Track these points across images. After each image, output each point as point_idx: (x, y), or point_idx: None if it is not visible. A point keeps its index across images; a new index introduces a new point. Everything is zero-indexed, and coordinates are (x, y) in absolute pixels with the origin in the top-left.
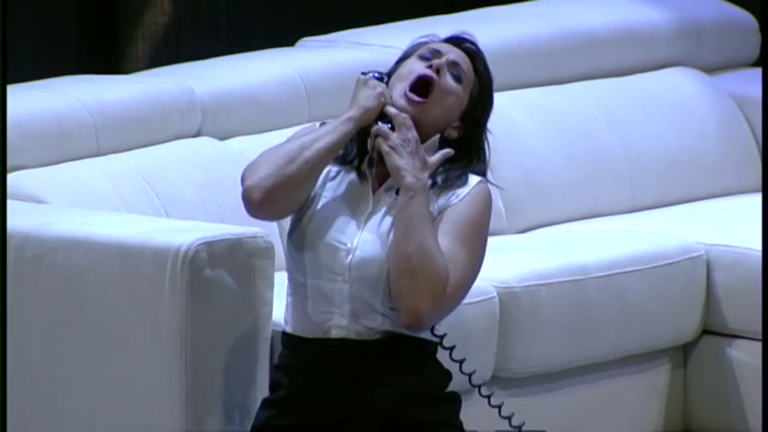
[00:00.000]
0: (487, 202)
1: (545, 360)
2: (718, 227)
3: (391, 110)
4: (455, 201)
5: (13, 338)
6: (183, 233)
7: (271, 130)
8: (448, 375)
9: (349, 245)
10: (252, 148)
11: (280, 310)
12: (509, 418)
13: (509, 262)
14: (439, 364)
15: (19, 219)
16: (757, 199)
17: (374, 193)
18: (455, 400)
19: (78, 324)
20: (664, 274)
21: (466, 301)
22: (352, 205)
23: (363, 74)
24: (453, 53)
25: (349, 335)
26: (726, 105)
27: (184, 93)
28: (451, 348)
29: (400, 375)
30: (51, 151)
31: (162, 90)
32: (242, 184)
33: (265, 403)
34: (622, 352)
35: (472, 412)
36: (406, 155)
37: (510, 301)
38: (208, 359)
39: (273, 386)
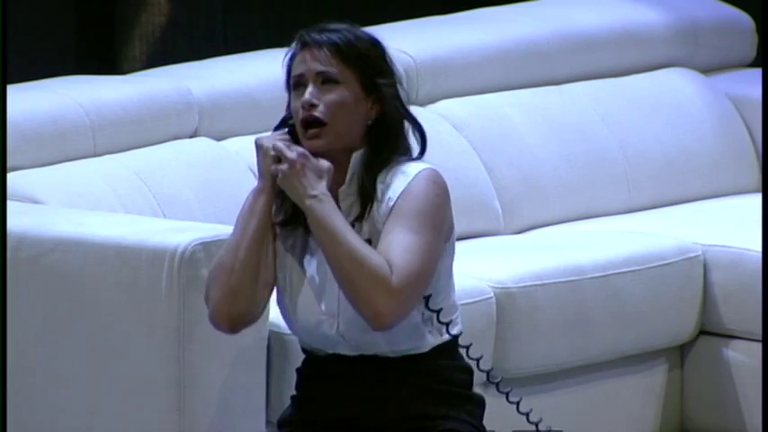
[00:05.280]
0: (434, 186)
1: (542, 360)
2: (715, 227)
3: (276, 148)
4: (394, 199)
5: (10, 339)
6: (180, 233)
7: (267, 131)
8: (470, 375)
9: (329, 312)
10: (248, 149)
11: (276, 311)
12: None
13: (506, 262)
14: (461, 363)
15: (16, 219)
16: (754, 199)
17: None
18: (478, 403)
19: (75, 324)
20: (660, 274)
21: (462, 301)
22: (314, 265)
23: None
24: (315, 62)
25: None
26: (723, 106)
27: (181, 93)
28: (508, 392)
29: (419, 376)
30: (48, 152)
31: (159, 91)
32: (206, 302)
33: (291, 400)
34: (619, 352)
35: None
36: (296, 181)
37: (507, 301)
38: (204, 359)
39: (296, 386)
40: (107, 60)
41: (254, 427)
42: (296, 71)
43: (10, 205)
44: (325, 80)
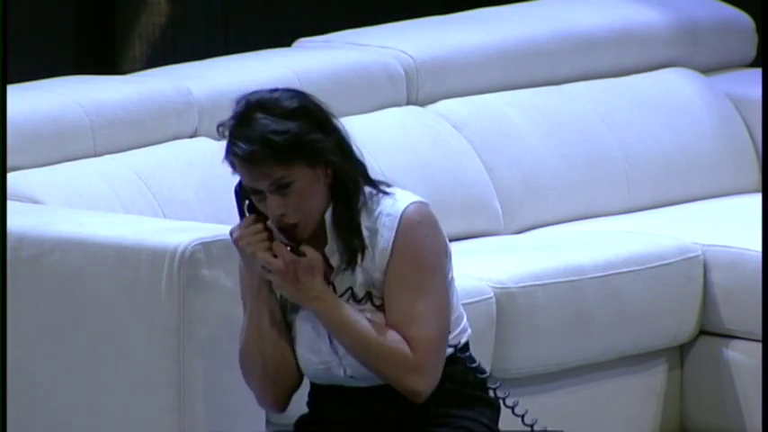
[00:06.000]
0: (420, 228)
1: (542, 360)
2: (715, 227)
3: (261, 260)
4: (387, 250)
5: (10, 339)
6: (180, 233)
7: None
8: (484, 378)
9: (331, 359)
10: None
11: None
12: None
13: (506, 262)
14: (474, 367)
15: (16, 219)
16: (754, 199)
17: None
18: (494, 407)
19: (75, 325)
20: (660, 274)
21: (463, 301)
22: (303, 315)
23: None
24: (261, 178)
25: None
26: (722, 106)
27: (181, 93)
28: (523, 415)
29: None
30: (48, 152)
31: (159, 90)
32: (245, 382)
33: (308, 406)
34: (619, 352)
35: None
36: (291, 288)
37: (507, 301)
38: (204, 359)
39: (309, 394)
40: (107, 60)
41: (254, 426)
42: (246, 182)
43: (10, 205)
44: (279, 187)
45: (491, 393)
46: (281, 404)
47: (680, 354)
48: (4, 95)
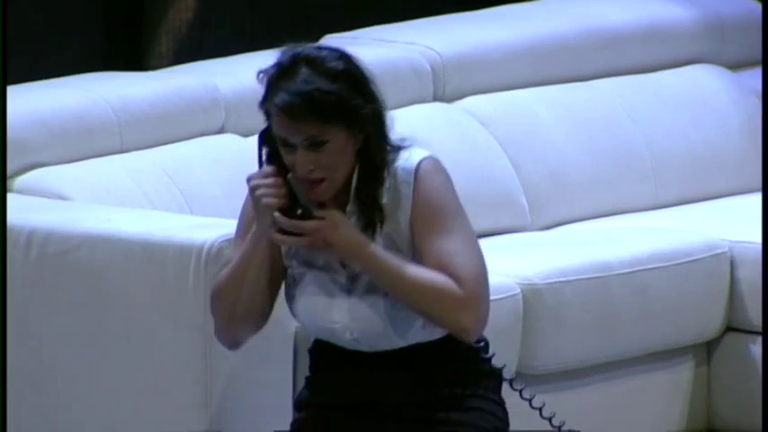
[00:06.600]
0: (437, 177)
1: (568, 357)
2: (742, 224)
3: (283, 224)
4: (408, 204)
5: (36, 335)
6: (207, 230)
7: None
8: (484, 351)
9: (341, 321)
10: None
11: None
12: None
13: (532, 259)
14: (471, 349)
15: (43, 215)
16: None
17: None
18: (495, 376)
19: (102, 321)
20: (687, 271)
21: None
22: (320, 275)
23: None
24: (299, 131)
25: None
26: (749, 102)
27: (208, 90)
28: (541, 408)
29: (436, 359)
30: (75, 148)
31: (186, 87)
32: (212, 313)
33: (306, 381)
34: (645, 349)
35: None
36: (323, 250)
37: (533, 298)
38: (230, 356)
39: (310, 368)
40: (134, 57)
41: (281, 423)
42: (279, 133)
43: (37, 202)
44: (313, 144)
45: (513, 389)
46: (237, 344)
47: (707, 350)
48: (4, 95)
